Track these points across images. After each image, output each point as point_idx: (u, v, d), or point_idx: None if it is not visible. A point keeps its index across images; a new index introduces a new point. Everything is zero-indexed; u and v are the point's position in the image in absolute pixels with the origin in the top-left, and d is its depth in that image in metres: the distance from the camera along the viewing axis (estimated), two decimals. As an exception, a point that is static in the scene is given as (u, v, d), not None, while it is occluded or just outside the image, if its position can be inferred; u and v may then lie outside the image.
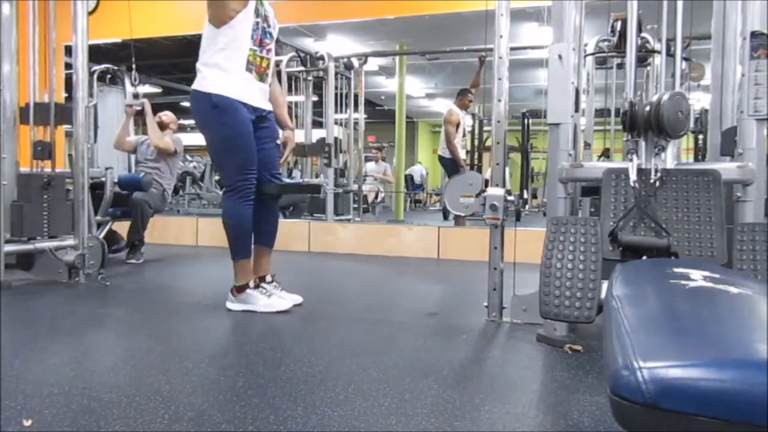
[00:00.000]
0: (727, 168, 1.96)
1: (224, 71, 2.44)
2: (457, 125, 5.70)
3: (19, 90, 3.25)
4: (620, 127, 2.26)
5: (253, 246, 2.67)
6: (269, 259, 2.71)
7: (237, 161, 2.50)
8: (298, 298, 2.66)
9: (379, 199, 8.78)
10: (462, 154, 5.83)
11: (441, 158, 5.94)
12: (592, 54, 4.29)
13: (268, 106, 2.64)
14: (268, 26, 2.57)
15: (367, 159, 9.09)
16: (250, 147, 2.50)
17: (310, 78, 6.48)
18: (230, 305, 2.53)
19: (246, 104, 2.48)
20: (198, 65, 2.49)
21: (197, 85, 2.48)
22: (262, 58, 2.54)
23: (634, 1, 2.09)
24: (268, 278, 2.68)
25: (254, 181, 2.53)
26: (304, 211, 6.27)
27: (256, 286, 2.53)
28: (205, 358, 1.88)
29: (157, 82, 9.62)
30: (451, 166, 5.76)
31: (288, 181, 6.36)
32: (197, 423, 1.35)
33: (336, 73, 6.30)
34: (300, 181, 6.37)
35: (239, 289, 2.52)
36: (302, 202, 6.28)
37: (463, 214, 2.42)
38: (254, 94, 2.53)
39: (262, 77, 2.56)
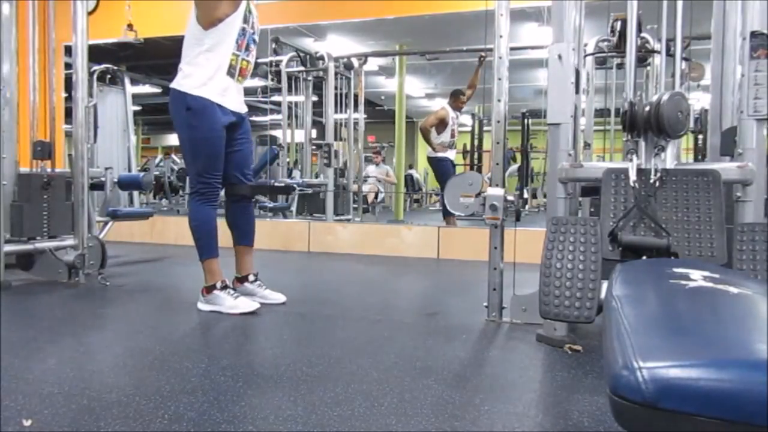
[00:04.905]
0: (727, 168, 1.96)
1: (206, 73, 2.46)
2: (444, 122, 5.72)
3: (19, 90, 3.25)
4: (620, 127, 2.26)
5: (234, 246, 2.73)
6: (251, 257, 2.75)
7: (200, 164, 2.54)
8: (281, 297, 2.69)
9: (378, 199, 8.77)
10: (451, 155, 5.86)
11: (429, 159, 5.96)
12: (592, 54, 4.29)
13: (245, 108, 2.68)
14: (254, 32, 2.60)
15: (367, 161, 9.08)
16: (215, 152, 2.53)
17: (310, 78, 6.48)
18: (200, 305, 2.56)
19: (223, 107, 2.51)
20: (181, 65, 2.51)
21: (176, 83, 2.50)
22: (248, 62, 2.59)
23: (634, 1, 2.09)
24: (251, 277, 2.71)
25: (217, 185, 2.58)
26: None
27: (224, 287, 2.54)
28: (205, 358, 1.88)
29: (157, 82, 9.61)
30: (438, 166, 5.80)
31: (289, 181, 6.37)
32: (197, 423, 1.35)
33: (336, 73, 6.29)
34: (270, 182, 6.29)
35: (208, 290, 2.54)
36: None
37: (463, 215, 2.41)
38: (233, 97, 2.56)
39: (244, 79, 2.60)
